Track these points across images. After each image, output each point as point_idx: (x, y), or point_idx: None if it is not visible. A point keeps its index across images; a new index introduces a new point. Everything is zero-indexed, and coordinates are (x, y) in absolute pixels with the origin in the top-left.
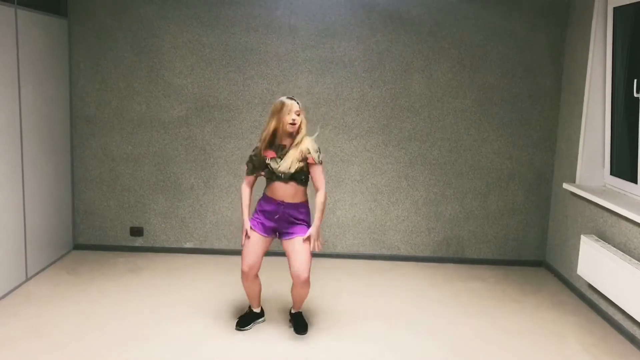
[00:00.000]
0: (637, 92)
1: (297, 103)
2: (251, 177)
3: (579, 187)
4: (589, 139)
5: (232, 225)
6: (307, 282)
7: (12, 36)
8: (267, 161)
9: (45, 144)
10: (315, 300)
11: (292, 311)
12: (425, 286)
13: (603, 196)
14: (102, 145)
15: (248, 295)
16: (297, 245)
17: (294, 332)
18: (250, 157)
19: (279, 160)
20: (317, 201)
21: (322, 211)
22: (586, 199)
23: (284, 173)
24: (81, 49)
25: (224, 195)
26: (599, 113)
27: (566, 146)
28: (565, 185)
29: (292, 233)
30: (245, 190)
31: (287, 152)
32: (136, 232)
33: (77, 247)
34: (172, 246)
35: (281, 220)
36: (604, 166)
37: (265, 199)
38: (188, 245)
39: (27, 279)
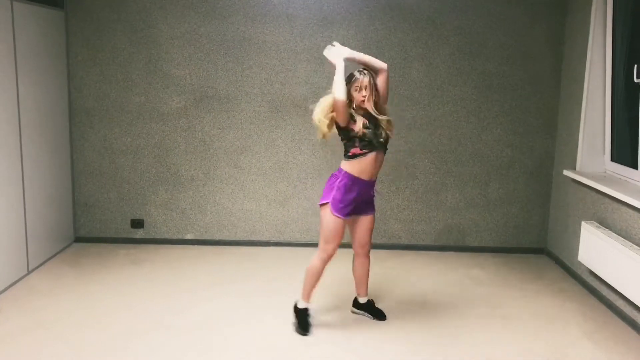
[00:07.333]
0: (638, 78)
1: (368, 75)
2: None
3: (579, 173)
4: (589, 125)
5: (232, 216)
6: (368, 253)
7: (8, 29)
8: (360, 127)
9: (45, 137)
10: (317, 290)
11: (361, 300)
12: (426, 274)
13: (603, 182)
14: (101, 138)
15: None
16: (368, 222)
17: (372, 319)
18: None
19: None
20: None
21: (369, 59)
22: (587, 185)
23: (382, 141)
24: (79, 41)
25: (224, 186)
26: (599, 99)
27: (566, 133)
28: (566, 172)
29: (367, 211)
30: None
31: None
32: (137, 224)
33: (78, 239)
34: (173, 237)
35: (362, 202)
36: (604, 152)
37: (354, 180)
38: (189, 236)
39: (29, 272)
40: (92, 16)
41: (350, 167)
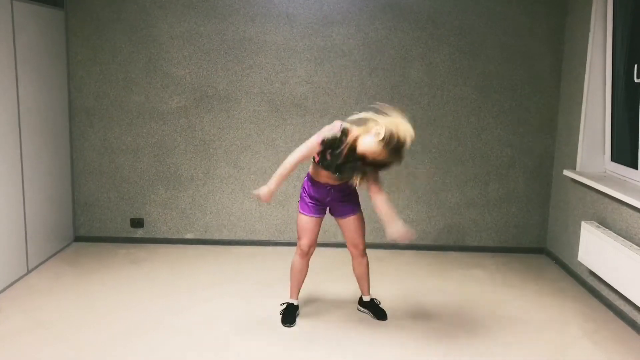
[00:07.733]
0: (638, 78)
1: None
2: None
3: (579, 173)
4: (589, 125)
5: (232, 216)
6: (364, 252)
7: (8, 28)
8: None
9: (44, 137)
10: (317, 288)
11: (364, 299)
12: (426, 274)
13: (603, 182)
14: (101, 137)
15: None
16: (352, 224)
17: (373, 319)
18: (331, 139)
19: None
20: (381, 204)
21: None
22: (587, 185)
23: (344, 180)
24: (78, 41)
25: (224, 186)
26: (599, 99)
27: (566, 133)
28: (566, 172)
29: (344, 213)
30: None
31: (355, 166)
32: (137, 223)
33: (78, 239)
34: (173, 237)
35: (333, 201)
36: (604, 152)
37: (313, 181)
38: (189, 236)
39: (28, 272)
40: (92, 16)
41: (311, 166)
